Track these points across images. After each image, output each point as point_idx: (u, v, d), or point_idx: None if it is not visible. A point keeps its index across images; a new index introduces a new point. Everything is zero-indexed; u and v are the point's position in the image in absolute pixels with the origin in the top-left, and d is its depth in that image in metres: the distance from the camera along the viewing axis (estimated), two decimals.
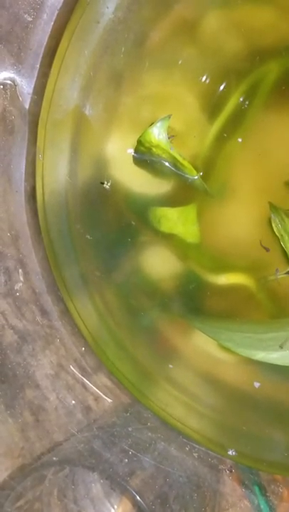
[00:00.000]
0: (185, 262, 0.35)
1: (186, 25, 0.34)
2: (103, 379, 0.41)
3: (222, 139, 0.33)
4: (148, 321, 0.36)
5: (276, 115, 0.33)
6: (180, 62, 0.34)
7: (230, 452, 0.31)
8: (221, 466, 0.28)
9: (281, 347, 0.28)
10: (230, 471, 0.29)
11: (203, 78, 0.34)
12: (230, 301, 0.34)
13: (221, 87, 0.33)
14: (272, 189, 0.32)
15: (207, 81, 0.34)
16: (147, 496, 0.35)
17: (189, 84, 0.34)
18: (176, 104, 0.34)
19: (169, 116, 0.30)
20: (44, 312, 0.41)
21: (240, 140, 0.33)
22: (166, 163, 0.32)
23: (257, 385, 0.32)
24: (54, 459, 0.36)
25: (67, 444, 0.37)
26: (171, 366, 0.36)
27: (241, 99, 0.33)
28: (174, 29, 0.34)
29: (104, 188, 0.34)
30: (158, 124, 0.29)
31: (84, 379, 0.41)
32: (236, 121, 0.33)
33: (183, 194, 0.33)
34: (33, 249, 0.34)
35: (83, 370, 0.41)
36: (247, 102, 0.33)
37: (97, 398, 0.41)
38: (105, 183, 0.34)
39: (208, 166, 0.33)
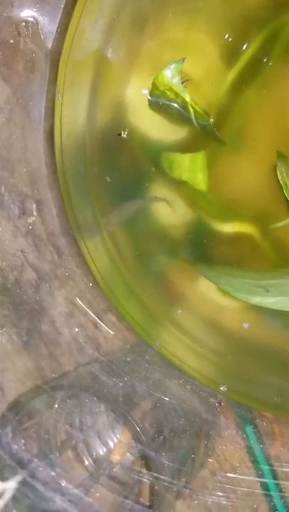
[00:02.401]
0: (194, 209, 0.35)
1: None
2: (113, 319, 0.43)
3: (238, 88, 0.33)
4: (156, 266, 0.37)
5: None
6: (203, 8, 0.34)
7: (222, 388, 0.32)
8: (211, 399, 0.30)
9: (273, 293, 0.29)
10: (220, 404, 0.30)
11: (225, 26, 0.34)
12: (236, 250, 0.35)
13: (242, 36, 0.33)
14: (284, 141, 0.32)
15: (228, 29, 0.34)
16: (145, 428, 0.37)
17: (211, 32, 0.34)
18: (197, 50, 0.34)
19: (183, 59, 0.30)
20: (60, 252, 0.43)
21: (263, 94, 0.33)
22: (179, 108, 0.32)
23: (246, 325, 0.33)
24: (63, 383, 0.38)
25: (75, 372, 0.39)
26: (179, 311, 0.37)
27: (260, 49, 0.32)
28: None
29: (121, 131, 0.35)
30: (171, 67, 0.30)
31: (95, 318, 0.43)
32: (254, 71, 0.33)
33: (196, 141, 0.34)
34: (48, 188, 0.35)
35: (95, 310, 0.43)
36: (266, 53, 0.33)
37: (106, 337, 0.43)
38: (122, 132, 0.34)
39: (222, 114, 0.33)
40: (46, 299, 0.43)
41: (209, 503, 0.34)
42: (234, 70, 0.32)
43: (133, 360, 0.35)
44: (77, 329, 0.43)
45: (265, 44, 0.33)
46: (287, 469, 0.33)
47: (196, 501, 0.34)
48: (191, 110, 0.31)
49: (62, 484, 0.29)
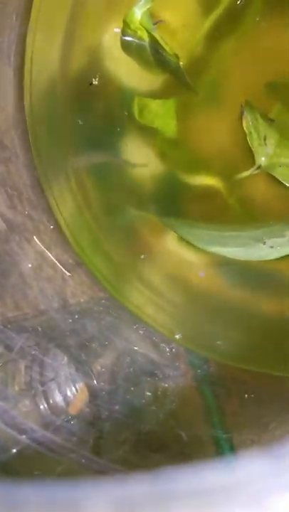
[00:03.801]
0: (163, 160, 0.35)
1: None
2: (80, 272, 0.43)
3: (215, 36, 0.32)
4: (124, 218, 0.37)
5: (273, 19, 0.33)
6: None
7: (176, 336, 0.32)
8: (162, 345, 0.30)
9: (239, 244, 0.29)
10: (171, 350, 0.31)
11: None
12: (205, 205, 0.35)
13: None
14: (257, 95, 0.32)
15: None
16: (102, 378, 0.37)
17: None
18: None
19: None
20: (32, 204, 0.42)
21: (234, 42, 0.32)
22: (150, 48, 0.32)
23: (202, 274, 0.33)
24: (26, 325, 0.38)
25: (38, 317, 0.39)
26: (142, 256, 0.37)
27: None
28: None
29: (95, 76, 0.34)
30: (140, 3, 0.29)
31: (64, 270, 0.42)
32: (233, 20, 0.32)
33: (169, 89, 0.33)
34: (17, 137, 0.35)
35: (63, 264, 0.43)
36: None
37: (74, 291, 0.43)
38: (93, 80, 0.34)
39: (196, 62, 0.33)
40: (16, 251, 0.43)
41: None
42: (212, 16, 0.32)
43: (91, 307, 0.35)
44: (43, 284, 0.43)
45: None
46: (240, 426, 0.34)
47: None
48: (161, 51, 0.31)
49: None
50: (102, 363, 0.37)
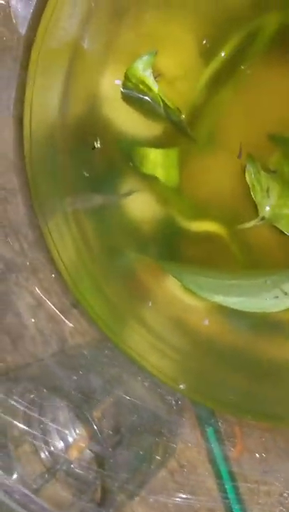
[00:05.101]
0: (165, 206, 0.35)
1: None
2: (76, 313, 0.42)
3: (213, 87, 0.33)
4: (123, 261, 0.37)
5: (272, 69, 0.33)
6: (184, 3, 0.34)
7: (181, 386, 0.32)
8: (168, 397, 0.30)
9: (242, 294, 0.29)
10: (177, 403, 0.30)
11: (205, 23, 0.33)
12: (205, 250, 0.35)
13: (221, 34, 0.33)
14: (257, 142, 0.32)
15: (208, 26, 0.33)
16: (102, 425, 0.36)
17: (190, 28, 0.34)
18: (174, 45, 0.34)
19: (156, 52, 0.29)
20: (30, 243, 0.42)
21: (238, 95, 0.33)
22: (151, 102, 0.32)
23: (206, 322, 0.33)
24: (22, 376, 0.37)
25: (35, 365, 0.39)
26: (150, 304, 0.37)
27: (238, 50, 0.32)
28: None
29: (94, 123, 0.34)
30: (143, 58, 0.29)
31: (58, 312, 0.42)
32: (230, 72, 0.33)
33: (169, 138, 0.34)
34: (16, 178, 0.35)
35: (60, 304, 0.42)
36: (243, 55, 0.33)
37: (71, 331, 0.43)
38: (95, 143, 0.34)
39: (196, 112, 0.33)
40: (13, 290, 0.43)
41: (168, 504, 0.33)
42: (209, 69, 0.32)
43: (91, 354, 0.34)
44: (41, 323, 0.42)
45: (243, 44, 0.33)
46: (246, 472, 0.33)
47: (151, 500, 0.34)
48: (163, 105, 0.31)
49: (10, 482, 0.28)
50: (104, 411, 0.36)
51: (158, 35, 0.34)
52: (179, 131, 0.33)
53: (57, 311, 0.41)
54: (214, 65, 0.32)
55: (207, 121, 0.33)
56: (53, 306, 0.40)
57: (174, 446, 0.30)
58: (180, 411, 0.31)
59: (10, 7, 0.31)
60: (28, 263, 0.41)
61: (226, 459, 0.33)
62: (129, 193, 0.35)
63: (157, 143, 0.34)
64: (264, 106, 0.33)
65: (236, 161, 0.33)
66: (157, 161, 0.33)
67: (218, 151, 0.33)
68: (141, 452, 0.33)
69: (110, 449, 0.35)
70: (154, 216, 0.36)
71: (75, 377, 0.32)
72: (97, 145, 0.33)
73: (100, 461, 0.36)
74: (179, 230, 0.35)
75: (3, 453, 0.38)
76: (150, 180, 0.34)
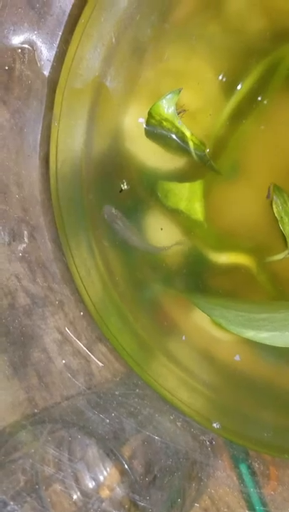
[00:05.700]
0: (190, 238, 0.35)
1: (211, 0, 0.34)
2: (104, 349, 0.42)
3: (236, 120, 0.33)
4: (150, 295, 0.37)
5: None
6: (203, 39, 0.34)
7: (214, 425, 0.31)
8: (202, 437, 0.29)
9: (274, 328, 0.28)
10: (211, 443, 0.29)
11: (225, 57, 0.33)
12: (232, 282, 0.35)
13: (241, 68, 0.33)
14: (280, 173, 0.32)
15: (228, 60, 0.34)
16: (134, 466, 0.36)
17: (210, 63, 0.34)
18: (195, 80, 0.34)
19: (180, 90, 0.30)
20: (54, 279, 0.42)
21: (260, 126, 0.33)
22: (176, 138, 0.32)
23: (237, 358, 0.32)
24: (50, 417, 0.37)
25: (63, 405, 0.38)
26: (178, 337, 0.36)
27: (258, 83, 0.32)
28: (200, 4, 0.34)
29: (118, 160, 0.35)
30: (168, 97, 0.29)
31: (85, 349, 0.42)
32: (251, 105, 0.33)
33: (193, 171, 0.33)
34: (42, 214, 0.35)
35: (86, 340, 0.42)
36: (264, 88, 0.33)
37: (98, 367, 0.42)
38: (122, 186, 0.34)
39: (219, 145, 0.33)
40: (39, 325, 0.43)
41: None
42: (231, 102, 0.32)
43: (122, 393, 0.34)
44: (68, 358, 0.42)
45: (264, 77, 0.33)
46: None
47: None
48: (188, 141, 0.31)
49: None
50: (135, 449, 0.35)
51: (178, 71, 0.35)
52: (203, 164, 0.32)
53: (83, 347, 0.40)
54: (236, 97, 0.32)
55: (230, 153, 0.33)
56: (79, 342, 0.40)
57: (208, 489, 0.29)
58: (214, 451, 0.30)
59: (34, 50, 0.31)
60: (54, 298, 0.41)
61: (260, 498, 0.32)
62: (170, 247, 0.35)
63: (181, 176, 0.34)
64: (286, 136, 0.33)
65: (260, 192, 0.32)
66: (182, 195, 0.33)
67: (243, 182, 0.33)
68: (174, 493, 0.32)
69: (143, 489, 0.34)
70: (179, 248, 0.35)
71: (107, 421, 0.31)
72: (124, 187, 0.33)
73: (131, 500, 0.35)
74: (204, 262, 0.35)
75: (35, 494, 0.37)
76: (174, 213, 0.34)
